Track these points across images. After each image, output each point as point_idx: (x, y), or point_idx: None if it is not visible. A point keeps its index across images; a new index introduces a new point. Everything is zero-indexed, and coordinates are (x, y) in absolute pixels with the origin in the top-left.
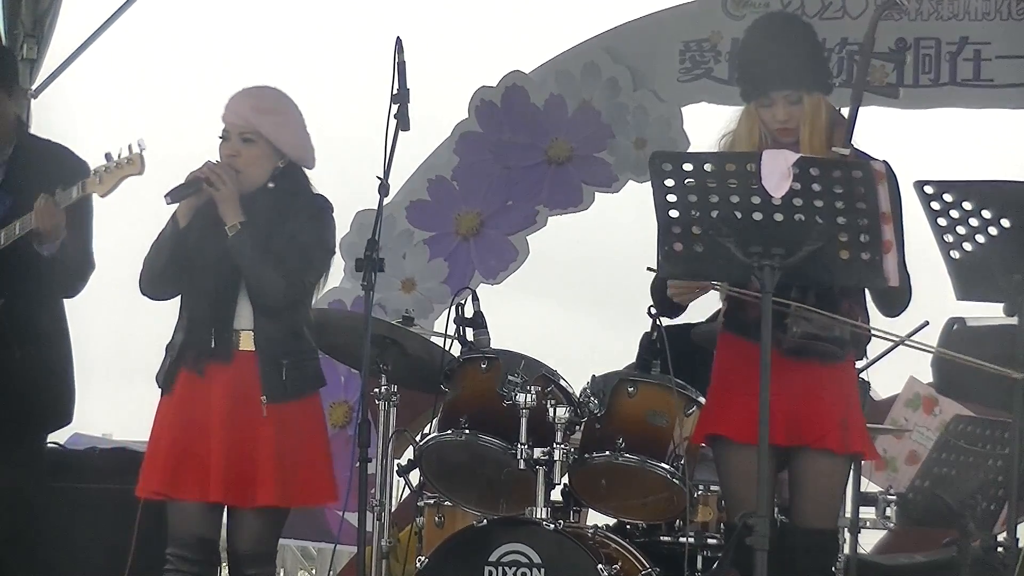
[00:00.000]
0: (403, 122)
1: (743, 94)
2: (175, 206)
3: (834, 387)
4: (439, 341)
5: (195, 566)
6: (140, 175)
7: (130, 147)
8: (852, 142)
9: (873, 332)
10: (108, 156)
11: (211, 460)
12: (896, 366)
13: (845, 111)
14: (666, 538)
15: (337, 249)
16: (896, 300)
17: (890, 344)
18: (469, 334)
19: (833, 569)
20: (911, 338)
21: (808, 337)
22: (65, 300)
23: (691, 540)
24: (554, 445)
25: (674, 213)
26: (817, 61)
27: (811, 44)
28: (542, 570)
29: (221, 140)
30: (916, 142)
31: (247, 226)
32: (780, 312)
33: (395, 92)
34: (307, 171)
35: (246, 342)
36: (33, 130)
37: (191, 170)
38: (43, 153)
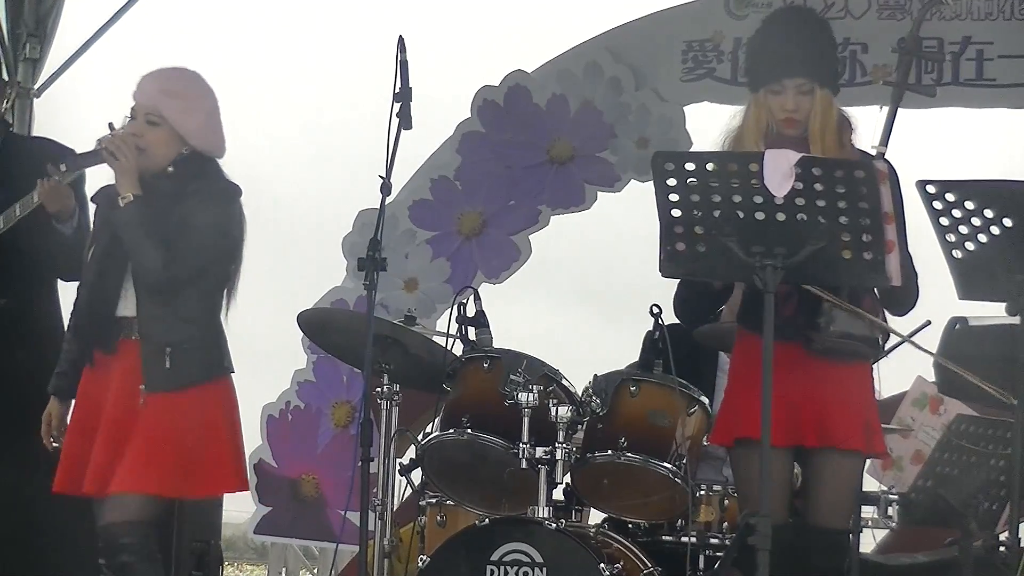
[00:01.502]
0: (405, 121)
1: (752, 81)
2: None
3: (858, 387)
4: (441, 340)
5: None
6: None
7: None
8: (853, 143)
9: (880, 332)
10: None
11: (91, 452)
12: (902, 365)
13: (862, 109)
14: (668, 538)
15: (340, 248)
16: (902, 299)
17: (892, 344)
18: (471, 333)
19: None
20: (914, 338)
21: (842, 336)
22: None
23: (693, 540)
24: (556, 444)
25: (676, 213)
26: (831, 59)
27: (828, 41)
28: (544, 569)
29: (128, 119)
30: (918, 141)
31: (140, 200)
32: (813, 311)
33: (397, 91)
34: (232, 161)
35: (134, 330)
36: (36, 129)
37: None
38: (30, 146)
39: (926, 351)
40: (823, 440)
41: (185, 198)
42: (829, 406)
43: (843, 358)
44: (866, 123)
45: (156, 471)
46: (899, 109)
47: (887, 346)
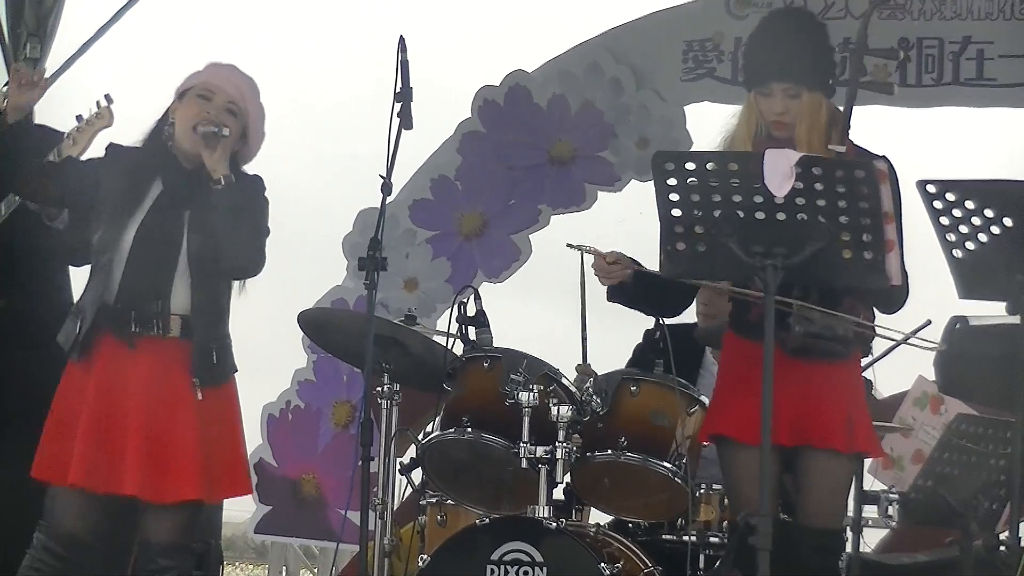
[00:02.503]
0: (406, 121)
1: (745, 82)
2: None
3: (839, 386)
4: (442, 340)
5: (60, 562)
6: (110, 127)
7: (97, 103)
8: (851, 139)
9: (876, 331)
10: (79, 118)
11: (127, 447)
12: (904, 364)
13: (862, 109)
14: (668, 537)
15: (340, 248)
16: (894, 298)
17: (892, 343)
18: (471, 333)
19: (839, 568)
20: (913, 337)
21: (811, 336)
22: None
23: (693, 539)
24: (556, 444)
25: (677, 212)
26: (823, 61)
27: (819, 43)
28: (544, 569)
29: (198, 97)
30: (919, 141)
31: (233, 184)
32: (783, 311)
33: (398, 91)
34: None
35: (176, 322)
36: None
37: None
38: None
39: (926, 347)
40: (799, 439)
41: (236, 190)
42: (806, 405)
43: (821, 357)
44: (867, 123)
45: (208, 475)
46: (899, 109)
47: (888, 346)
